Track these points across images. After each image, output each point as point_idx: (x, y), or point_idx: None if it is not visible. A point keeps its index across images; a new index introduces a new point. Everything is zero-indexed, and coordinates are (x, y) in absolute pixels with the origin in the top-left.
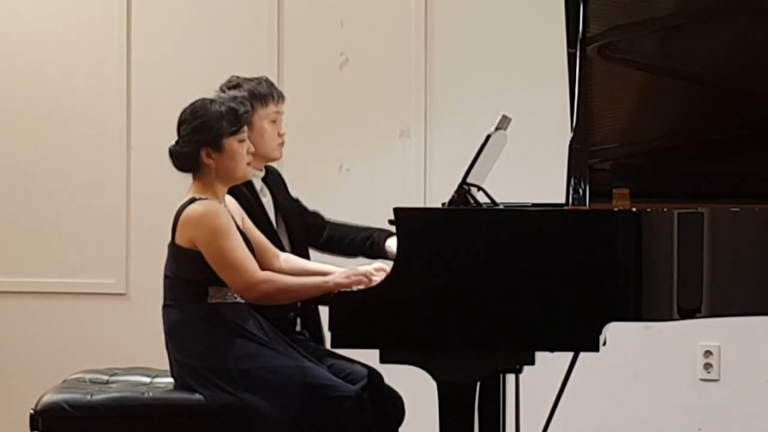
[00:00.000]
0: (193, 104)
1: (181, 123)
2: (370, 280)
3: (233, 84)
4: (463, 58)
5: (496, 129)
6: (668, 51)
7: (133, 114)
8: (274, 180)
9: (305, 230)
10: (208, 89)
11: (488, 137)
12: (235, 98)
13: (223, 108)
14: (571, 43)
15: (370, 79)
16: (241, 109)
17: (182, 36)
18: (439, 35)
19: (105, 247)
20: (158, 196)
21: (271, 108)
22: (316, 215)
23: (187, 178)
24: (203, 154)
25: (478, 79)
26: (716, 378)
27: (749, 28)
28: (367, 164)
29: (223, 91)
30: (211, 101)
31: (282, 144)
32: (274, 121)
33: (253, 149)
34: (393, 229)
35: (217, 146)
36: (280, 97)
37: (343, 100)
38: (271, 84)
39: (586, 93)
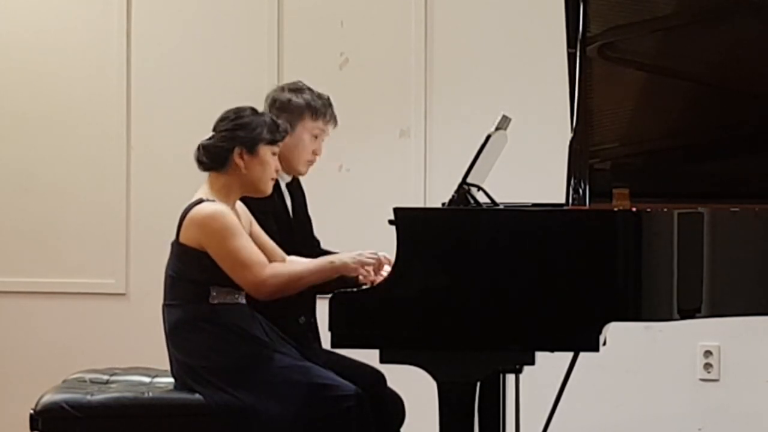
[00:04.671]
0: (239, 107)
1: (221, 119)
2: (379, 262)
3: (296, 87)
4: (463, 58)
5: (496, 129)
6: (668, 51)
7: (133, 114)
8: (296, 189)
9: (310, 247)
10: (208, 89)
11: (488, 137)
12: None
13: (266, 118)
14: (571, 43)
15: (370, 79)
16: (282, 126)
17: (182, 36)
18: (439, 35)
19: (105, 247)
20: (158, 196)
21: (319, 124)
22: (315, 240)
23: (187, 179)
24: (236, 153)
25: (478, 79)
26: (716, 378)
27: (749, 28)
28: (367, 164)
29: (283, 89)
30: (255, 110)
31: (311, 162)
32: (315, 137)
33: (279, 168)
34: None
35: (251, 149)
36: (332, 120)
37: (343, 100)
38: (330, 105)
39: (586, 93)
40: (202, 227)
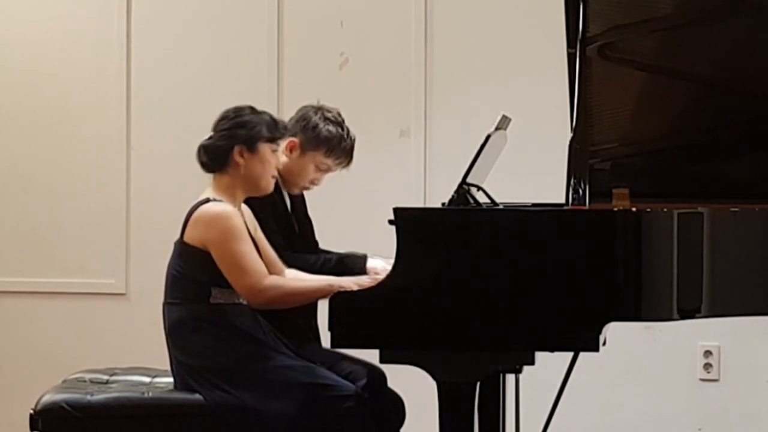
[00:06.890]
0: (238, 106)
1: (221, 119)
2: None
3: (332, 118)
4: (463, 58)
5: (496, 129)
6: (668, 51)
7: (133, 114)
8: (297, 193)
9: (309, 249)
10: (208, 89)
11: (488, 137)
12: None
13: (266, 116)
14: (571, 43)
15: (370, 79)
16: (281, 124)
17: (182, 36)
18: (439, 35)
19: (105, 247)
20: (158, 196)
21: (329, 161)
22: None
23: (187, 179)
24: (236, 151)
25: (478, 79)
26: (716, 378)
27: (749, 28)
28: (367, 164)
29: (318, 111)
30: (254, 109)
31: (308, 189)
32: (320, 170)
33: (280, 166)
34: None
35: (251, 147)
36: (345, 163)
37: (343, 100)
38: (351, 149)
39: (586, 93)
40: (207, 227)
